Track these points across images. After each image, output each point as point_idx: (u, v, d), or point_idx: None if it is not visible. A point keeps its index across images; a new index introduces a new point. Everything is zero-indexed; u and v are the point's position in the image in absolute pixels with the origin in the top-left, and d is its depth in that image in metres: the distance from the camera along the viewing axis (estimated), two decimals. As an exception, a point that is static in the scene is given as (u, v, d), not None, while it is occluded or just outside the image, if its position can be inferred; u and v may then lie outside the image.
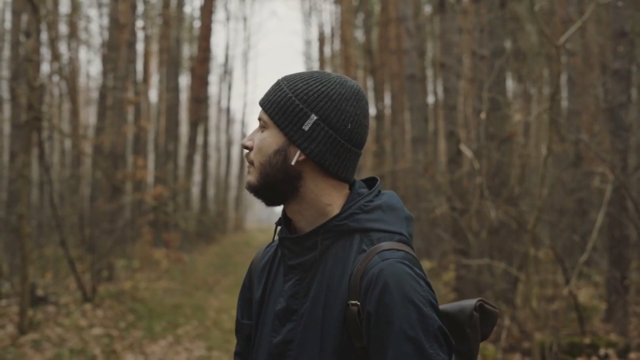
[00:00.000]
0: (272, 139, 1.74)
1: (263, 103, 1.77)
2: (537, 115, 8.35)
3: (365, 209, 1.74)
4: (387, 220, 1.75)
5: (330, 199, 1.77)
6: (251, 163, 1.78)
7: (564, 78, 13.17)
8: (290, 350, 1.73)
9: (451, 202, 9.16)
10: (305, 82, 1.74)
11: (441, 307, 1.78)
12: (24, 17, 13.67)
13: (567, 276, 7.53)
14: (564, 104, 13.41)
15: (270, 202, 1.81)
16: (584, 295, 10.39)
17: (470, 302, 1.79)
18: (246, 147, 1.80)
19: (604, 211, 7.08)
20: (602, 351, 7.34)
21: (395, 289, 1.60)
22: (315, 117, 1.71)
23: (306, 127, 1.71)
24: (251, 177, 1.79)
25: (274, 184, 1.75)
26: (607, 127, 9.27)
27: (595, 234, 6.69)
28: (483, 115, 7.68)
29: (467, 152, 8.12)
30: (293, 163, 1.72)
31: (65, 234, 10.94)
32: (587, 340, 7.49)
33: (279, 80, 1.78)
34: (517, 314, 8.22)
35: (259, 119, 1.78)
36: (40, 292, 10.36)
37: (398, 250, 1.67)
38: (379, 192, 1.80)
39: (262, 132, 1.77)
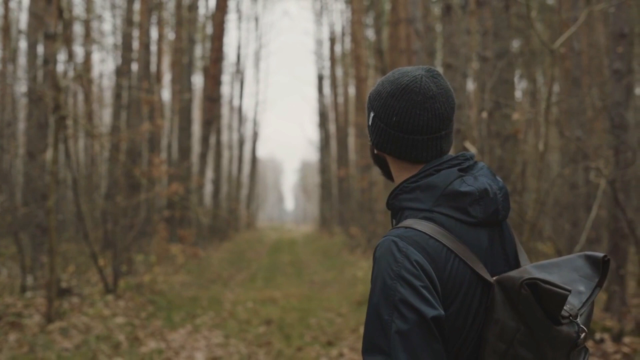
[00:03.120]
0: None
1: None
2: (535, 115, 8.73)
3: (406, 190, 1.94)
4: (421, 199, 1.90)
5: (401, 179, 2.03)
6: None
7: (569, 77, 13.52)
8: None
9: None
10: (376, 84, 2.10)
11: (533, 265, 1.83)
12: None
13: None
14: (570, 102, 13.79)
15: (388, 178, 2.18)
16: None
17: (528, 274, 1.75)
18: None
19: (597, 204, 7.49)
20: (597, 335, 7.75)
21: (376, 262, 1.83)
22: (373, 114, 2.03)
23: (369, 123, 2.08)
24: None
25: (379, 167, 2.16)
26: (606, 125, 9.66)
27: (588, 225, 7.10)
28: (484, 115, 8.10)
29: (472, 148, 8.55)
30: (375, 152, 2.13)
31: (88, 229, 11.41)
32: (583, 326, 7.88)
33: None
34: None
35: None
36: (64, 285, 10.84)
37: (406, 227, 1.84)
38: (435, 171, 1.92)
39: None
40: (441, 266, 1.79)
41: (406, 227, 1.85)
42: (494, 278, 1.80)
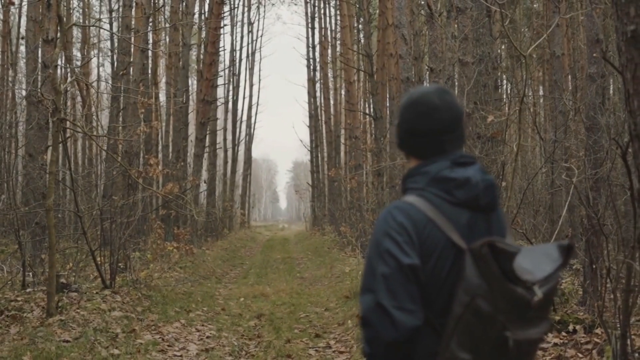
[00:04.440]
0: None
1: None
2: (508, 117, 9.18)
3: (410, 175, 2.49)
4: (417, 181, 2.42)
5: None
6: None
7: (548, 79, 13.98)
8: None
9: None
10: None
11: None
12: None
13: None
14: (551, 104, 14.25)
15: None
16: (567, 281, 11.20)
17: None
18: None
19: (567, 204, 7.94)
20: (570, 327, 8.16)
21: (375, 225, 2.39)
22: (396, 122, 2.62)
23: (396, 129, 2.66)
24: None
25: (407, 158, 2.64)
26: (583, 127, 10.10)
27: (560, 222, 7.54)
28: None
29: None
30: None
31: (86, 227, 11.82)
32: (557, 318, 8.32)
33: None
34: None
35: None
36: (63, 280, 11.22)
37: (404, 200, 2.40)
38: (432, 162, 2.42)
39: None
40: (421, 229, 2.30)
41: (401, 201, 2.40)
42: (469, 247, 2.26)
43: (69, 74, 18.62)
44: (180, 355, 8.51)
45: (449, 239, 2.29)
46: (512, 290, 2.11)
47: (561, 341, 7.86)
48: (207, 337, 9.72)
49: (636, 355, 6.52)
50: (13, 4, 17.49)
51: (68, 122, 11.04)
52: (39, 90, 11.85)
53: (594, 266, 8.93)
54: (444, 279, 2.29)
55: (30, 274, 11.44)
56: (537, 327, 2.18)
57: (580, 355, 7.43)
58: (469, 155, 2.46)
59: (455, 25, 15.77)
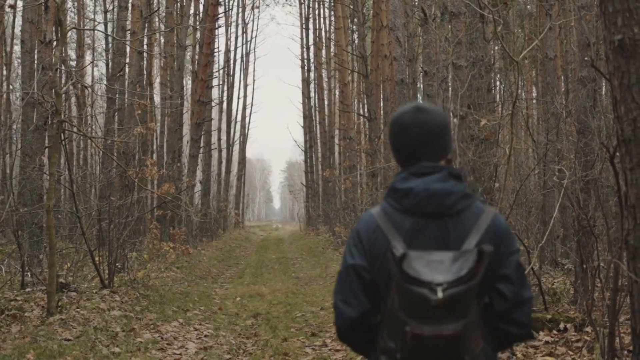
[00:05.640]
0: None
1: None
2: (501, 120, 9.36)
3: (389, 185, 2.81)
4: (387, 193, 2.70)
5: None
6: None
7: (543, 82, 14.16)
8: None
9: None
10: None
11: None
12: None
13: (529, 258, 8.59)
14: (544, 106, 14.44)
15: None
16: (559, 281, 11.39)
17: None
18: None
19: (558, 205, 8.13)
20: (561, 325, 8.34)
21: None
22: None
23: None
24: None
25: None
26: (574, 129, 10.29)
27: (551, 222, 7.72)
28: (455, 121, 8.72)
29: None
30: None
31: (84, 228, 11.95)
32: (548, 316, 8.50)
33: None
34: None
35: None
36: (62, 280, 11.35)
37: (369, 210, 2.73)
38: (409, 174, 2.64)
39: None
40: (370, 235, 2.62)
41: (367, 210, 2.78)
42: None
43: (64, 75, 18.68)
44: (180, 354, 8.66)
45: (390, 243, 2.53)
46: (409, 290, 2.33)
47: (552, 339, 8.02)
48: (205, 336, 9.87)
49: (625, 352, 6.71)
50: (13, 7, 17.55)
51: (67, 124, 11.17)
52: (35, 91, 11.94)
53: (584, 266, 9.11)
54: (387, 277, 2.54)
55: (29, 273, 11.55)
56: (448, 324, 2.33)
57: (571, 352, 7.60)
58: (432, 165, 2.64)
59: (449, 27, 15.97)
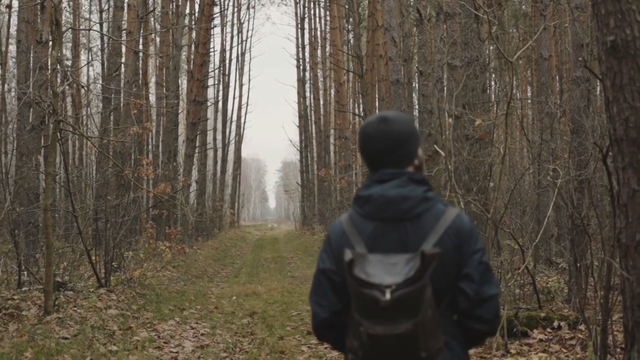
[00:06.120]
0: None
1: None
2: (495, 120, 9.43)
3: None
4: (353, 200, 2.81)
5: None
6: None
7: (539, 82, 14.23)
8: None
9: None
10: None
11: None
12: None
13: (524, 257, 8.66)
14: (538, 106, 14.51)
15: None
16: (553, 280, 11.47)
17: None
18: None
19: (553, 203, 8.20)
20: (555, 323, 8.42)
21: None
22: None
23: None
24: None
25: None
26: (568, 129, 10.36)
27: (545, 221, 7.79)
28: (450, 121, 8.78)
29: (441, 151, 9.24)
30: None
31: (81, 227, 12.00)
32: (542, 314, 8.57)
33: None
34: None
35: None
36: (58, 279, 11.39)
37: (339, 217, 2.85)
38: (371, 181, 2.75)
39: None
40: (337, 240, 2.75)
41: (338, 217, 2.90)
42: None
43: (59, 75, 18.71)
44: (177, 352, 8.71)
45: (353, 247, 2.66)
46: (361, 292, 2.44)
47: (546, 337, 8.10)
48: (202, 335, 9.92)
49: (618, 349, 6.78)
50: (9, 7, 17.58)
51: (64, 124, 11.22)
52: (31, 91, 11.98)
53: (578, 264, 9.19)
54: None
55: (26, 273, 11.59)
56: (400, 323, 2.42)
57: (565, 350, 7.67)
58: (392, 172, 2.74)
59: (445, 27, 16.05)
